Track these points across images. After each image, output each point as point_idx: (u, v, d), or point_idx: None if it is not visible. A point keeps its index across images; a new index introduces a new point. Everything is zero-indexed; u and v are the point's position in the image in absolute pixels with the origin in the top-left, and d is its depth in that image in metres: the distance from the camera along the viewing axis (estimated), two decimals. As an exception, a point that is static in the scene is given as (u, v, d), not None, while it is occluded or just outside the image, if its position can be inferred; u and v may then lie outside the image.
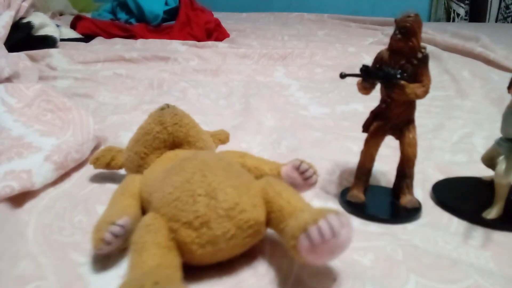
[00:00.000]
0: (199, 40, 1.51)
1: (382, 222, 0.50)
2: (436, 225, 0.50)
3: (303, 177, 0.45)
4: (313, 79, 1.12)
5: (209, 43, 1.46)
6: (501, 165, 0.48)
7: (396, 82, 0.48)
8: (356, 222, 0.49)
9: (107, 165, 0.55)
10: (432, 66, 1.19)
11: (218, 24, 1.64)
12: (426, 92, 0.50)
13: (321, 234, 0.33)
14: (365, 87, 0.51)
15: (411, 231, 0.48)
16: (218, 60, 1.24)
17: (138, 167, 0.49)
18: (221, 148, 0.64)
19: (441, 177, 0.60)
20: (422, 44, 0.50)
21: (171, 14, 1.62)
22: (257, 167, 0.47)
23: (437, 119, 0.84)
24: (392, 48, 0.50)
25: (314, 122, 0.82)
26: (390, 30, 1.68)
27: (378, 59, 0.52)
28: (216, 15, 1.83)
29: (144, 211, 0.44)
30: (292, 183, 0.45)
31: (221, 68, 1.14)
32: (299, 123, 0.81)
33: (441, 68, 1.15)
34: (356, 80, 0.51)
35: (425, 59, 0.49)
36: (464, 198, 0.54)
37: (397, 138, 0.54)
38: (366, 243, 0.45)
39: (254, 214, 0.38)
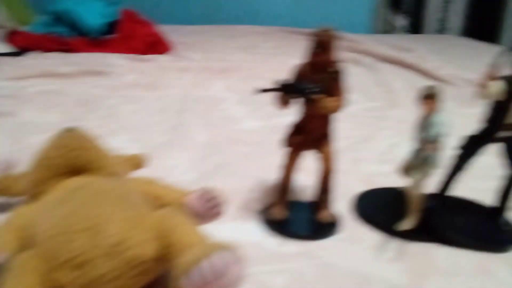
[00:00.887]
0: (139, 54, 1.47)
1: (301, 239, 0.49)
2: (354, 239, 0.49)
3: (208, 206, 0.43)
4: (251, 92, 1.12)
5: (150, 56, 1.42)
6: (413, 176, 0.49)
7: (311, 96, 0.48)
8: (273, 243, 0.48)
9: (2, 193, 0.51)
10: (368, 77, 1.22)
11: (160, 37, 1.61)
12: (343, 105, 0.50)
13: (202, 276, 0.30)
14: (283, 102, 0.50)
15: (328, 247, 0.48)
16: (157, 74, 1.22)
17: (34, 195, 0.45)
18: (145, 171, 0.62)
19: (364, 188, 0.60)
20: (338, 58, 0.50)
21: (111, 26, 1.58)
22: (162, 196, 0.44)
23: (368, 130, 0.85)
24: (310, 62, 0.50)
25: (247, 137, 0.81)
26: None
27: (297, 73, 0.52)
28: (164, 27, 1.80)
29: (26, 246, 0.39)
30: (197, 213, 0.43)
31: (158, 82, 1.11)
32: (231, 138, 0.80)
33: (376, 79, 1.18)
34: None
35: (341, 73, 0.50)
36: (383, 210, 0.55)
37: (316, 152, 0.53)
38: (280, 264, 0.44)
39: (143, 251, 0.35)
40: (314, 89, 0.48)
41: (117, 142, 0.72)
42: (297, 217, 0.53)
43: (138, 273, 0.35)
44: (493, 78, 0.45)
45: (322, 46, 0.49)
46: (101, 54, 1.41)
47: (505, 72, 0.48)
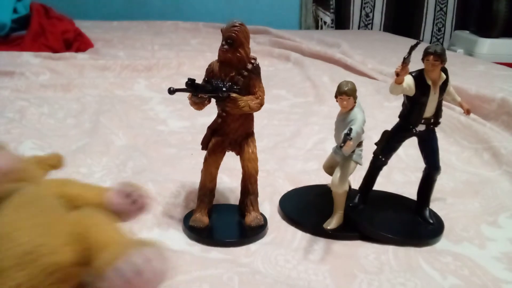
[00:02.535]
0: (56, 52, 1.36)
1: (225, 246, 0.47)
2: (280, 242, 0.48)
3: (130, 201, 0.40)
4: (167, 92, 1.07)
5: (67, 54, 1.32)
6: (336, 173, 0.48)
7: (224, 95, 0.45)
8: (197, 251, 0.45)
9: None
10: (295, 73, 1.22)
11: (79, 34, 1.50)
12: (260, 104, 0.48)
13: (121, 274, 0.29)
14: (195, 102, 0.47)
15: (253, 253, 0.46)
16: (74, 73, 1.13)
17: None
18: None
19: (290, 187, 0.59)
20: (252, 55, 0.48)
21: (22, 23, 1.45)
22: (80, 195, 0.41)
23: (295, 126, 0.84)
24: (221, 60, 0.48)
25: (171, 138, 0.77)
26: (262, 38, 1.70)
27: (209, 71, 0.49)
28: (84, 23, 1.68)
29: None
30: (118, 210, 0.40)
31: (75, 82, 1.03)
32: (154, 140, 0.75)
33: (303, 75, 1.18)
34: None
35: (256, 70, 0.47)
36: (308, 209, 0.54)
37: (237, 153, 0.51)
38: (202, 272, 0.41)
39: (58, 257, 0.33)
40: (230, 87, 0.46)
41: (22, 150, 0.65)
42: (222, 222, 0.51)
43: (56, 280, 0.33)
44: (404, 72, 0.45)
45: (230, 43, 0.46)
46: (12, 53, 1.28)
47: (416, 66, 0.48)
